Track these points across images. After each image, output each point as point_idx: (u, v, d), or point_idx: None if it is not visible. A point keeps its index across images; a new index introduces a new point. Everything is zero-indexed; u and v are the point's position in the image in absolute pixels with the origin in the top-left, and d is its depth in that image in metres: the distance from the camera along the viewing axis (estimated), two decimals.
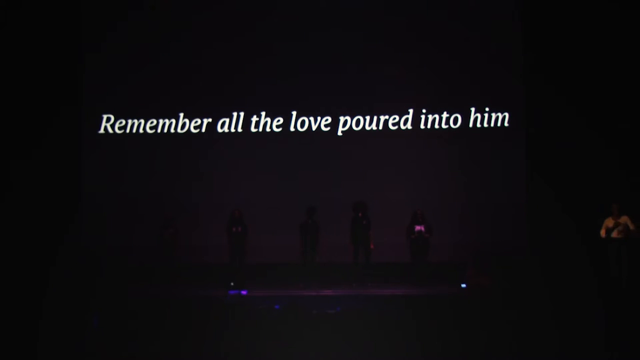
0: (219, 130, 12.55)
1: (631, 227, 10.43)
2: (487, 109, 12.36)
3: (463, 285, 10.33)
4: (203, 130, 12.55)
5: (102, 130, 12.56)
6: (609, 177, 11.44)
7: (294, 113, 12.52)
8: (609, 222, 10.59)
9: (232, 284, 11.05)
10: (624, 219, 10.55)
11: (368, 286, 11.13)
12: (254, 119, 12.54)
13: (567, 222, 11.21)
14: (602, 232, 10.57)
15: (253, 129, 12.54)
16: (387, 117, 12.44)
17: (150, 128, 12.57)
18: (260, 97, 12.51)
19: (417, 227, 11.41)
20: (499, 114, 12.33)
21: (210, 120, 12.55)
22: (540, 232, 11.69)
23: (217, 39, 12.57)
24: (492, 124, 12.33)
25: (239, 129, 12.54)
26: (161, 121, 12.56)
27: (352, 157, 12.36)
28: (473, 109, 12.37)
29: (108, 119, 12.58)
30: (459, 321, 6.45)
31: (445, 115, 12.39)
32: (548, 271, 10.22)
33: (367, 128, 12.45)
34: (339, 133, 12.48)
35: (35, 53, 12.14)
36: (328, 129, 12.49)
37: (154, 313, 6.75)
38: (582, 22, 11.82)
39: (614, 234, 10.52)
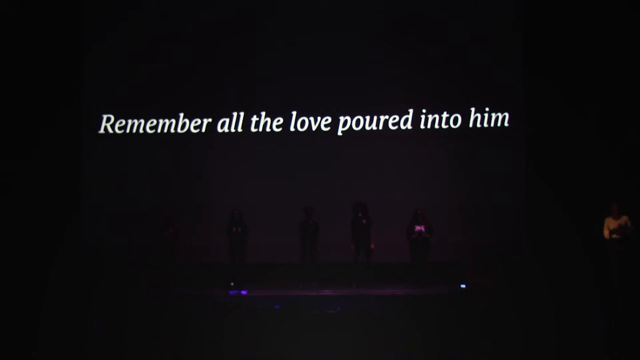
0: (219, 130, 12.54)
1: (630, 227, 10.45)
2: (487, 109, 12.36)
3: (463, 286, 10.34)
4: (203, 130, 12.55)
5: (102, 130, 12.56)
6: (609, 177, 11.43)
7: (294, 113, 12.52)
8: (610, 222, 10.59)
9: (232, 284, 11.05)
10: (624, 219, 10.55)
11: (368, 286, 11.13)
12: (254, 119, 12.54)
13: (567, 222, 11.21)
14: (606, 233, 10.58)
15: (253, 129, 12.54)
16: (387, 117, 12.44)
17: (150, 128, 12.57)
18: (260, 97, 12.51)
19: (418, 227, 11.40)
20: (499, 114, 12.33)
21: (210, 120, 12.55)
22: (540, 232, 11.68)
23: (217, 39, 12.57)
24: (492, 124, 12.33)
25: (239, 129, 12.54)
26: (161, 121, 12.56)
27: (352, 157, 12.36)
28: (473, 109, 12.37)
29: (108, 119, 12.58)
30: (459, 321, 6.45)
31: (445, 115, 12.39)
32: (548, 271, 10.22)
33: (367, 128, 12.45)
34: (339, 133, 12.48)
35: (36, 53, 12.15)
36: (328, 129, 12.49)
37: (154, 313, 6.74)
38: (581, 22, 11.82)
39: (614, 235, 10.54)
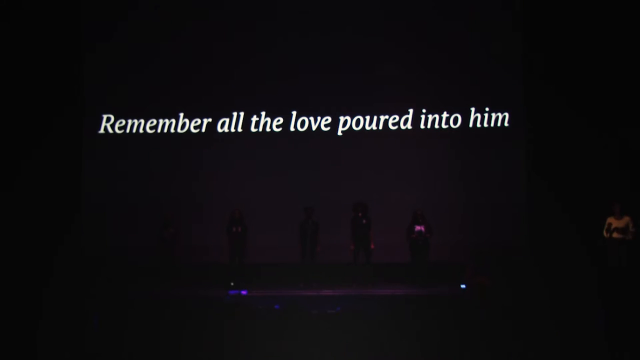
0: (219, 130, 12.55)
1: (631, 229, 10.44)
2: (487, 109, 12.37)
3: (463, 286, 10.34)
4: (203, 130, 12.55)
5: (102, 130, 12.57)
6: (609, 177, 11.43)
7: (294, 113, 12.52)
8: (612, 221, 10.58)
9: (232, 284, 11.06)
10: (626, 220, 10.54)
11: (368, 286, 11.14)
12: (254, 119, 12.54)
13: (567, 222, 11.21)
14: (606, 233, 10.57)
15: (253, 129, 12.54)
16: (387, 117, 12.44)
17: (150, 128, 12.58)
18: (260, 97, 12.52)
19: (417, 227, 11.40)
20: (499, 114, 12.33)
21: (210, 120, 12.55)
22: (540, 232, 11.69)
23: (217, 39, 12.58)
24: (492, 124, 12.33)
25: (239, 129, 12.54)
26: (161, 121, 12.56)
27: (352, 157, 12.36)
28: (473, 109, 12.38)
29: (108, 119, 12.58)
30: (459, 321, 6.45)
31: (445, 115, 12.40)
32: (548, 271, 10.22)
33: (367, 128, 12.45)
34: (339, 133, 12.49)
35: (36, 53, 12.14)
36: (328, 129, 12.50)
37: (154, 313, 6.74)
38: (582, 22, 11.82)
39: (614, 235, 10.53)
